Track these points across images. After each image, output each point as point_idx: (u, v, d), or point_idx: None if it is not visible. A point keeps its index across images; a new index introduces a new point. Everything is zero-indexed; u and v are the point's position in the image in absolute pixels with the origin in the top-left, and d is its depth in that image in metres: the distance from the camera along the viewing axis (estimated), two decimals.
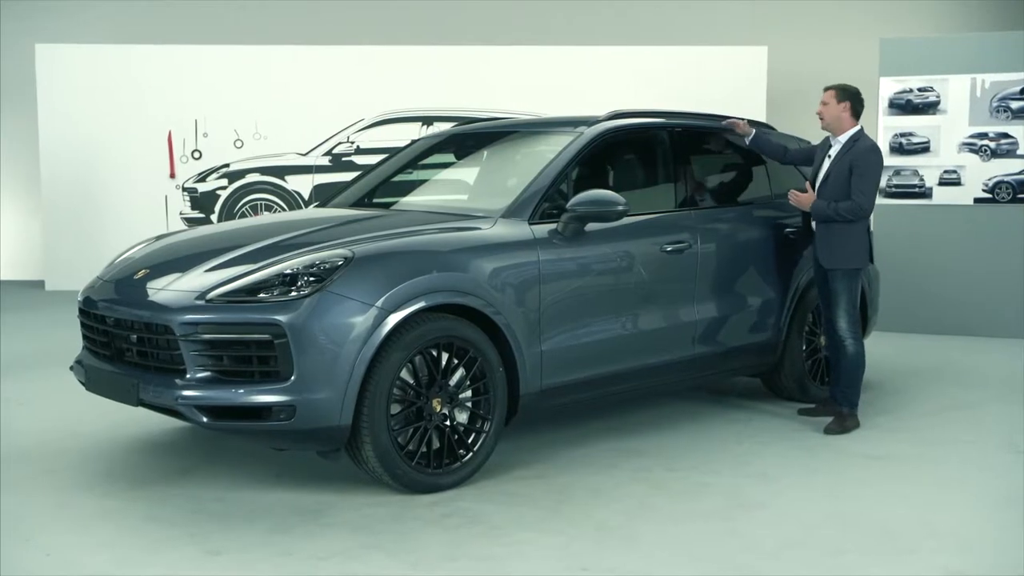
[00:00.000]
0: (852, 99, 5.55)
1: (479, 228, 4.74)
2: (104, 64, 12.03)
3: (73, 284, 11.24)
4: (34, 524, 4.06)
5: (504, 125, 6.26)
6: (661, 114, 5.85)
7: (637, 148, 5.70)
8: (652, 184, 5.73)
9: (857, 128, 5.55)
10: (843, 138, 5.53)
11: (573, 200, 4.85)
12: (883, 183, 8.98)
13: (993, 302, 8.75)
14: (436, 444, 4.41)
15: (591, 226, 4.95)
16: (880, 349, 7.56)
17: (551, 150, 5.24)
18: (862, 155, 5.43)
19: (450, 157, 6.25)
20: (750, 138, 5.93)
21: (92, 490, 4.47)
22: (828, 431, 5.45)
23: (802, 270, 5.99)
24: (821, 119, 5.60)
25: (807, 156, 5.92)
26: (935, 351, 8.05)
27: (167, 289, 4.39)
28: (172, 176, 12.09)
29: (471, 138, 6.23)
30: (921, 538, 3.95)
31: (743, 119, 6.03)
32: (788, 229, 5.99)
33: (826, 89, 5.64)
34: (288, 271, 4.22)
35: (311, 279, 4.18)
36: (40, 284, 12.31)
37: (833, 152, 5.56)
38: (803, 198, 5.56)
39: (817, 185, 5.60)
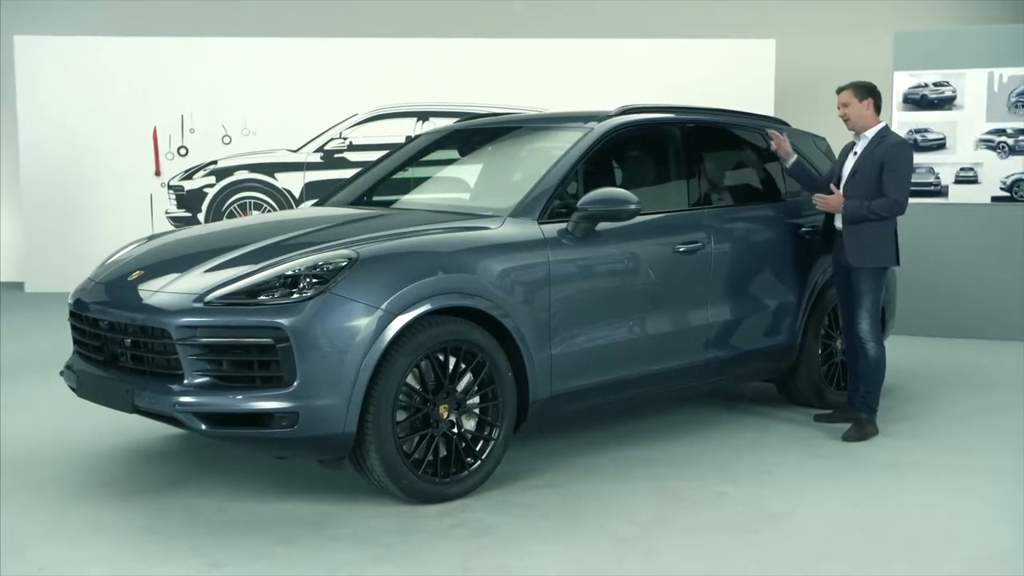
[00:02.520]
0: (873, 94, 5.60)
1: (487, 228, 4.73)
2: (86, 57, 12.01)
3: (55, 286, 11.29)
4: (27, 537, 4.04)
5: (509, 121, 6.26)
6: (673, 109, 5.85)
7: (649, 144, 5.70)
8: (664, 182, 5.73)
9: (882, 124, 5.59)
10: (870, 134, 5.55)
11: (584, 199, 4.85)
12: None
13: (1012, 304, 8.76)
14: (443, 452, 4.40)
15: (602, 225, 4.95)
16: (897, 353, 7.54)
17: (560, 146, 5.24)
18: (893, 150, 5.46)
19: (453, 154, 6.24)
20: (790, 162, 5.83)
21: (86, 501, 4.46)
22: (846, 438, 5.45)
23: (818, 271, 6.00)
24: (847, 121, 5.60)
25: (832, 173, 5.85)
26: (953, 355, 8.06)
27: (163, 291, 4.37)
28: (157, 174, 12.07)
29: (475, 134, 6.23)
30: (950, 550, 3.96)
31: (785, 137, 5.91)
32: (804, 229, 5.99)
33: (841, 90, 5.64)
34: (290, 272, 4.21)
35: (314, 280, 4.17)
36: (20, 286, 12.27)
37: (859, 149, 5.58)
38: (831, 200, 5.52)
39: (843, 183, 5.59)
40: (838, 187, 5.60)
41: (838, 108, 5.63)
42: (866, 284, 5.49)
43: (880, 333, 5.58)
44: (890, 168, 5.42)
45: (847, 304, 5.65)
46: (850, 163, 5.62)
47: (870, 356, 5.51)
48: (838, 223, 5.61)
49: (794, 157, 5.83)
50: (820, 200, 5.58)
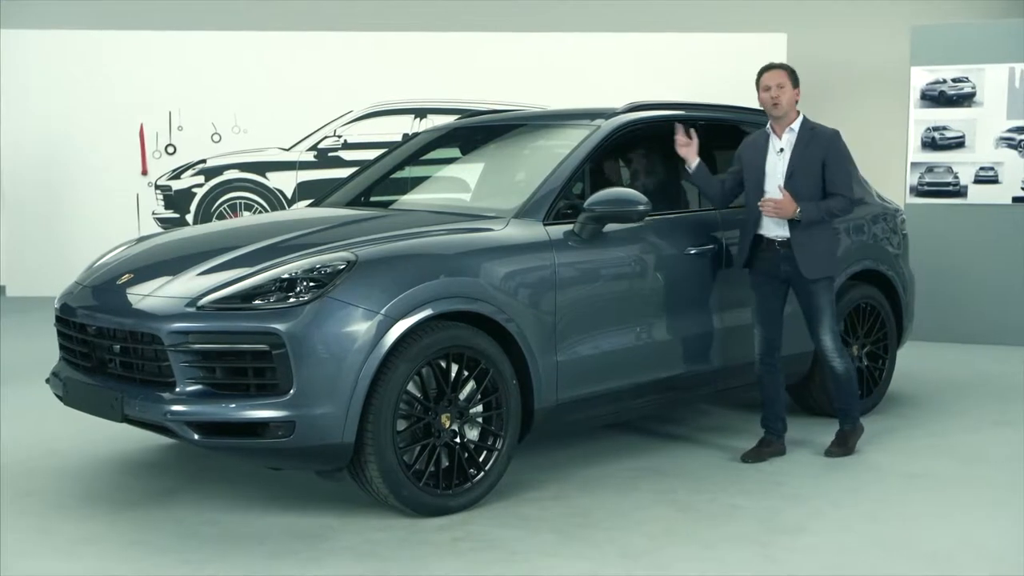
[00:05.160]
0: (799, 86, 5.31)
1: (491, 229, 4.74)
2: (70, 52, 11.99)
3: (37, 290, 11.29)
4: (13, 551, 4.04)
5: (512, 118, 6.26)
6: (683, 106, 5.86)
7: (658, 143, 5.70)
8: (674, 181, 5.74)
9: (802, 115, 5.30)
10: (795, 126, 5.25)
11: (591, 199, 4.86)
12: (914, 181, 9.03)
13: None
14: (445, 463, 4.40)
15: (610, 227, 4.96)
16: (913, 359, 7.57)
17: (565, 145, 5.26)
18: (832, 143, 5.21)
19: (453, 152, 6.25)
20: (693, 165, 5.32)
21: (72, 513, 4.46)
22: (830, 454, 5.37)
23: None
24: (775, 107, 5.22)
25: (739, 180, 5.41)
26: (971, 362, 8.06)
27: (154, 295, 4.38)
28: (144, 173, 12.06)
29: (476, 132, 6.24)
30: (974, 565, 3.97)
31: (694, 138, 5.37)
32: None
33: (772, 68, 5.29)
34: (286, 275, 4.22)
35: (311, 284, 4.18)
36: (0, 290, 12.25)
37: (786, 145, 5.22)
38: (785, 205, 5.08)
39: (780, 184, 5.18)
40: (756, 191, 5.24)
41: (766, 89, 5.22)
42: (824, 297, 5.25)
43: (842, 344, 5.39)
44: (836, 164, 5.17)
45: (774, 322, 5.32)
46: (779, 163, 5.22)
47: (839, 371, 5.34)
48: (773, 231, 5.22)
49: (697, 160, 5.32)
50: (771, 205, 5.11)
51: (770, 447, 5.37)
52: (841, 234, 5.39)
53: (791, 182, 5.19)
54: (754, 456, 5.31)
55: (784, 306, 5.38)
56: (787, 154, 5.23)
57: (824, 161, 5.20)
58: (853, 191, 5.27)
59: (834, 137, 5.26)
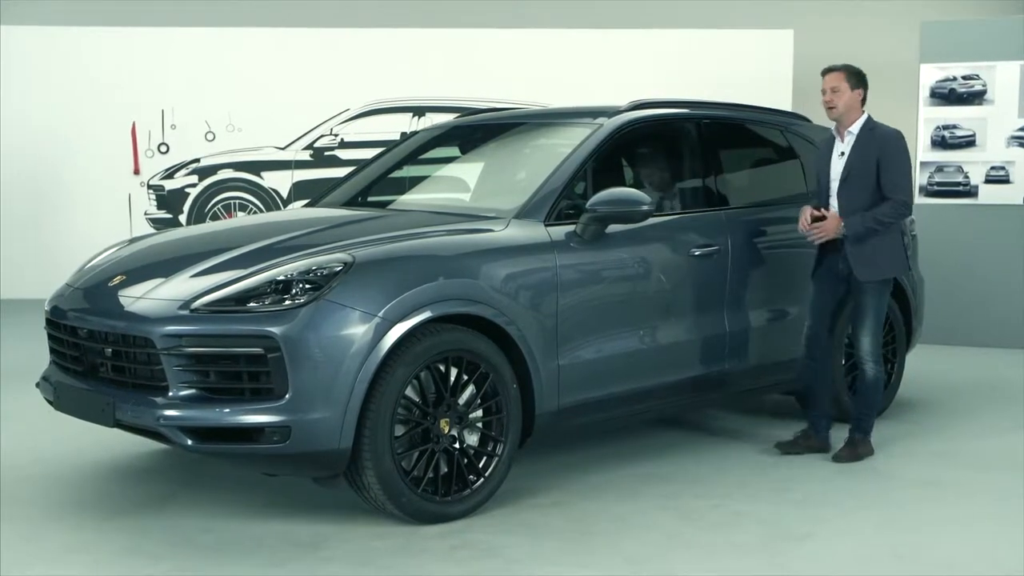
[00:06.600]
0: (865, 85, 5.32)
1: (491, 230, 4.74)
2: (60, 48, 12.00)
3: (28, 291, 11.28)
4: (3, 559, 4.02)
5: (513, 116, 6.27)
6: (688, 104, 5.87)
7: (662, 142, 5.72)
8: (679, 181, 5.75)
9: (866, 115, 5.33)
10: (855, 128, 5.29)
11: (593, 199, 4.86)
12: (923, 181, 9.04)
13: None
14: (444, 469, 4.40)
15: (613, 228, 4.96)
16: (924, 363, 7.58)
17: (567, 144, 5.26)
18: (890, 144, 5.23)
19: (453, 152, 6.26)
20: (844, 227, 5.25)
21: (63, 521, 4.46)
22: (837, 459, 5.38)
23: None
24: (831, 109, 5.28)
25: (820, 185, 5.50)
26: (984, 366, 8.06)
27: (146, 297, 4.38)
28: (136, 172, 12.08)
29: (476, 131, 6.25)
30: (983, 573, 3.96)
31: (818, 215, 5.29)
32: None
33: (830, 71, 5.32)
34: (281, 277, 4.22)
35: (307, 286, 4.18)
36: None
37: (846, 147, 5.30)
38: (829, 226, 5.21)
39: (834, 190, 5.31)
40: (824, 194, 5.34)
41: (823, 92, 5.30)
42: (872, 298, 5.30)
43: (881, 353, 5.44)
44: (888, 165, 5.18)
45: (823, 316, 5.42)
46: (838, 165, 5.32)
47: (868, 377, 5.37)
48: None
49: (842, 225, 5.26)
50: (817, 230, 5.23)
51: (809, 440, 5.41)
52: (897, 235, 5.34)
53: (846, 184, 5.24)
54: (790, 447, 5.40)
55: (837, 304, 5.43)
56: (846, 156, 5.28)
57: (879, 162, 5.21)
58: (907, 193, 5.23)
59: (891, 137, 5.27)
